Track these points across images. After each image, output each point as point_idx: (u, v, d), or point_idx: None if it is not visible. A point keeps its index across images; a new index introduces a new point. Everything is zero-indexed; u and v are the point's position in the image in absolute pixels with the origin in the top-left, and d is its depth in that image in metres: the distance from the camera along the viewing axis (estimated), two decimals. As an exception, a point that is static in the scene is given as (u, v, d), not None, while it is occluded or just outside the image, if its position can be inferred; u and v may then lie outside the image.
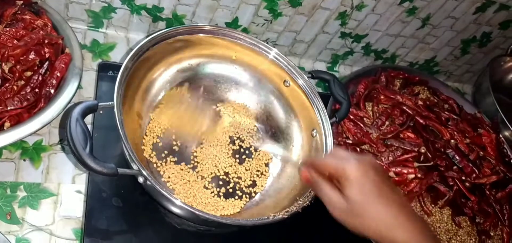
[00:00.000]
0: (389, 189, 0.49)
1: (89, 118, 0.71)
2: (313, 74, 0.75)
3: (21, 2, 0.71)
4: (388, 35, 1.00)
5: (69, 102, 0.66)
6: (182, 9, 0.82)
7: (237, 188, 0.71)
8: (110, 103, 0.57)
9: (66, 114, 0.69)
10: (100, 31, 0.85)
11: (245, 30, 0.89)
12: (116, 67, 0.77)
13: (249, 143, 0.77)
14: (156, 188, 0.54)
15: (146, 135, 0.69)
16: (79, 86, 0.69)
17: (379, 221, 0.47)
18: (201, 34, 0.72)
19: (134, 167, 0.55)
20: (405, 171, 0.79)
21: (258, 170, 0.74)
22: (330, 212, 0.50)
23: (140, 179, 0.56)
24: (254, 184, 0.73)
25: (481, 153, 0.87)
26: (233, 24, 0.87)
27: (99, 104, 0.57)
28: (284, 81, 0.77)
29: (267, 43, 0.77)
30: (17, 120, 0.63)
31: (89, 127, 0.64)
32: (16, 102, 0.64)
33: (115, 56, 0.83)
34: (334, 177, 0.50)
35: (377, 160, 0.52)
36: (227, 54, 0.76)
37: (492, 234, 0.83)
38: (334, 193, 0.49)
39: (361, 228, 0.49)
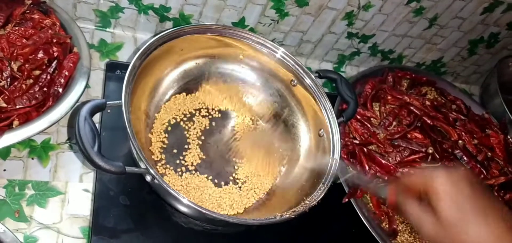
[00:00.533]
0: (486, 201, 0.44)
1: (96, 118, 0.71)
2: (320, 74, 0.75)
3: (30, 1, 0.72)
4: (395, 35, 0.99)
5: (77, 101, 0.66)
6: (189, 9, 0.82)
7: (244, 187, 0.71)
8: (118, 101, 0.57)
9: (74, 112, 0.70)
10: (107, 30, 0.85)
11: (251, 30, 0.89)
12: (123, 66, 0.77)
13: (256, 143, 0.77)
14: (164, 186, 0.54)
15: (153, 134, 0.69)
16: (87, 86, 0.69)
17: (479, 240, 0.43)
18: (208, 33, 0.72)
19: (142, 165, 0.56)
20: (412, 171, 0.78)
21: (265, 170, 0.74)
22: (421, 233, 0.47)
23: (148, 178, 0.56)
24: (261, 184, 0.72)
25: (489, 154, 0.86)
26: (240, 24, 0.87)
27: (107, 102, 0.57)
28: (291, 80, 0.77)
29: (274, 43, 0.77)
30: (26, 119, 0.63)
31: (97, 126, 0.65)
32: (24, 100, 0.64)
33: (122, 56, 0.83)
34: (423, 194, 0.46)
35: (471, 173, 0.48)
36: (235, 53, 0.76)
37: (500, 235, 0.82)
38: (424, 213, 0.45)
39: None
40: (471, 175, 0.46)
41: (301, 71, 0.75)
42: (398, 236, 0.76)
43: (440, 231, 0.44)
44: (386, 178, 0.59)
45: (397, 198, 0.49)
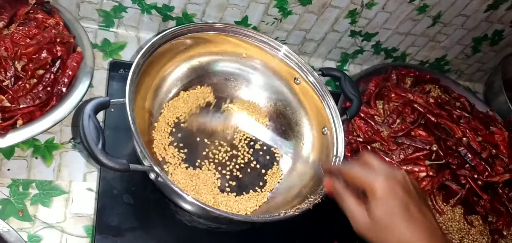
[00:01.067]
0: (416, 209, 0.47)
1: (100, 117, 0.71)
2: (324, 72, 0.75)
3: (34, 1, 0.72)
4: (398, 33, 0.99)
5: (80, 101, 0.67)
6: (192, 8, 0.82)
7: (247, 186, 0.71)
8: (122, 99, 0.57)
9: (78, 111, 0.70)
10: (111, 30, 0.85)
11: (254, 29, 0.89)
12: (127, 65, 0.77)
13: (260, 141, 0.76)
14: (168, 184, 0.54)
15: (156, 132, 0.69)
16: (90, 85, 0.69)
17: (400, 241, 0.46)
18: (211, 32, 0.72)
19: (146, 163, 0.56)
20: (416, 169, 0.78)
21: (268, 168, 0.74)
22: (352, 226, 0.49)
23: (152, 175, 0.56)
24: (264, 182, 0.72)
25: (494, 151, 0.86)
26: (243, 23, 0.87)
27: (111, 100, 0.57)
28: (295, 78, 0.77)
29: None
30: (30, 118, 0.64)
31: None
32: (28, 100, 0.64)
33: (125, 55, 0.83)
34: (360, 188, 0.49)
35: (408, 175, 0.49)
36: (238, 51, 0.76)
37: (505, 233, 0.81)
38: (358, 209, 0.48)
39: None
40: (409, 180, 0.49)
41: (305, 69, 0.75)
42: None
43: (370, 229, 0.47)
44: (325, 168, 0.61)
45: (335, 189, 0.52)
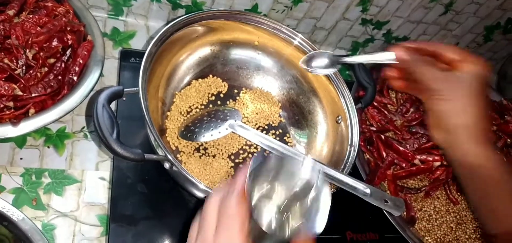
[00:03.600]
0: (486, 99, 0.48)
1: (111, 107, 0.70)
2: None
3: (43, -12, 0.71)
4: (410, 21, 0.98)
5: (92, 90, 0.66)
6: (202, -4, 0.81)
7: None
8: (135, 88, 0.57)
9: (90, 101, 0.70)
10: (120, 19, 0.84)
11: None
12: (138, 54, 0.77)
13: (272, 130, 0.76)
14: (183, 173, 0.53)
15: (169, 121, 0.68)
16: (100, 74, 0.68)
17: (468, 126, 0.47)
18: (224, 19, 0.71)
19: (160, 152, 0.55)
20: (430, 158, 0.77)
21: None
22: (426, 85, 0.49)
23: (166, 165, 0.55)
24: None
25: (509, 140, 0.85)
26: (253, 10, 0.86)
27: (125, 89, 0.57)
28: (308, 66, 0.76)
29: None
30: (41, 107, 0.63)
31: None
32: (40, 89, 0.64)
33: (135, 44, 0.82)
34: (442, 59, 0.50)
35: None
36: (250, 39, 0.75)
37: (519, 223, 0.81)
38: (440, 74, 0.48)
39: (446, 114, 0.48)
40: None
41: (319, 57, 0.74)
42: (416, 224, 0.75)
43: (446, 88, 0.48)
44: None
45: (410, 55, 0.50)
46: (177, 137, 0.67)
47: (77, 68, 0.68)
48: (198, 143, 0.69)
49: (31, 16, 0.68)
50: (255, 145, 0.73)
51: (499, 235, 0.49)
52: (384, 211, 0.70)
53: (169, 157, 0.53)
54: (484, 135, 0.48)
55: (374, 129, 0.79)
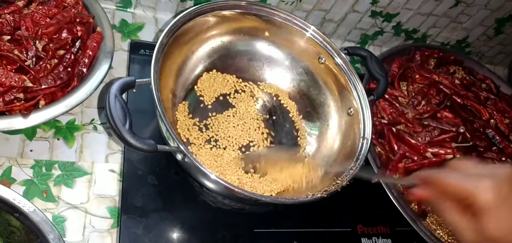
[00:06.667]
0: None
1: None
2: (349, 51, 0.73)
3: (53, -21, 0.70)
4: (420, 14, 0.97)
5: (101, 81, 0.65)
6: (211, -13, 0.81)
7: (271, 168, 0.70)
8: (147, 79, 0.56)
9: (100, 93, 0.69)
10: (128, 11, 0.84)
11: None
12: (148, 46, 0.76)
13: (283, 122, 0.75)
14: (195, 164, 0.53)
15: (180, 113, 0.68)
16: (110, 66, 0.68)
17: None
18: (234, 10, 0.70)
19: (172, 144, 0.54)
20: (442, 151, 0.76)
21: (292, 150, 0.73)
22: (462, 241, 0.41)
23: (179, 156, 0.55)
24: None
25: (523, 134, 0.84)
26: (262, 2, 0.85)
27: (137, 80, 0.56)
28: (319, 57, 0.75)
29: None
30: (51, 99, 0.63)
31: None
32: (50, 80, 0.63)
33: (143, 36, 0.82)
34: (461, 200, 0.40)
35: None
36: (261, 31, 0.75)
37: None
38: (467, 225, 0.40)
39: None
40: None
41: (331, 49, 0.73)
42: (428, 217, 0.74)
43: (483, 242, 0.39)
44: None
45: (431, 198, 0.43)
46: (188, 129, 0.67)
47: (86, 60, 0.67)
48: (208, 135, 0.68)
49: (40, 7, 0.68)
50: (265, 137, 0.72)
51: None
52: (396, 205, 0.70)
53: (182, 148, 0.53)
54: None
55: (386, 121, 0.78)
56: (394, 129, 0.77)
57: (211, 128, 0.70)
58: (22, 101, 0.60)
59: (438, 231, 0.73)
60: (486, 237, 0.38)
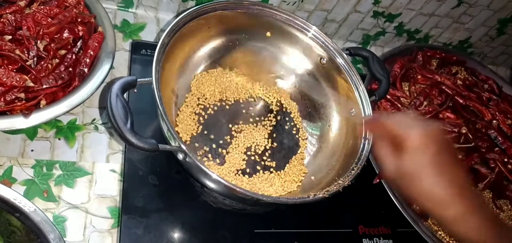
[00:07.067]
0: (447, 164, 0.47)
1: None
2: (351, 51, 0.73)
3: (54, -21, 0.70)
4: (422, 14, 0.96)
5: (102, 81, 0.65)
6: (213, -13, 0.81)
7: (272, 168, 0.70)
8: (148, 79, 0.56)
9: (101, 93, 0.69)
10: (130, 11, 0.84)
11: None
12: (149, 46, 0.76)
13: (285, 123, 0.75)
14: (196, 164, 0.52)
15: (181, 113, 0.68)
16: (111, 66, 0.68)
17: (428, 195, 0.47)
18: (237, 10, 0.70)
19: (174, 143, 0.54)
20: (444, 152, 0.76)
21: (293, 150, 0.72)
22: (380, 170, 0.51)
23: (180, 156, 0.55)
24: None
25: (526, 134, 0.84)
26: (264, 2, 0.85)
27: (138, 80, 0.56)
28: (320, 58, 0.75)
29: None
30: (52, 99, 0.63)
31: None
32: (51, 80, 0.63)
33: (145, 36, 0.82)
34: (396, 139, 0.48)
35: (443, 131, 0.50)
36: (262, 31, 0.74)
37: (535, 218, 0.80)
38: (390, 158, 0.49)
39: (409, 196, 0.48)
40: (443, 133, 0.49)
41: (332, 49, 0.73)
42: (429, 218, 0.74)
43: (398, 176, 0.48)
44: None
45: (374, 132, 0.55)
46: (189, 128, 0.67)
47: (88, 60, 0.67)
48: (210, 135, 0.68)
49: (42, 7, 0.68)
50: (266, 138, 0.72)
51: None
52: (398, 205, 0.70)
53: (183, 147, 0.53)
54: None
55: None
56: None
57: (212, 127, 0.69)
58: (23, 101, 0.60)
59: (439, 232, 0.73)
60: (401, 171, 0.47)
